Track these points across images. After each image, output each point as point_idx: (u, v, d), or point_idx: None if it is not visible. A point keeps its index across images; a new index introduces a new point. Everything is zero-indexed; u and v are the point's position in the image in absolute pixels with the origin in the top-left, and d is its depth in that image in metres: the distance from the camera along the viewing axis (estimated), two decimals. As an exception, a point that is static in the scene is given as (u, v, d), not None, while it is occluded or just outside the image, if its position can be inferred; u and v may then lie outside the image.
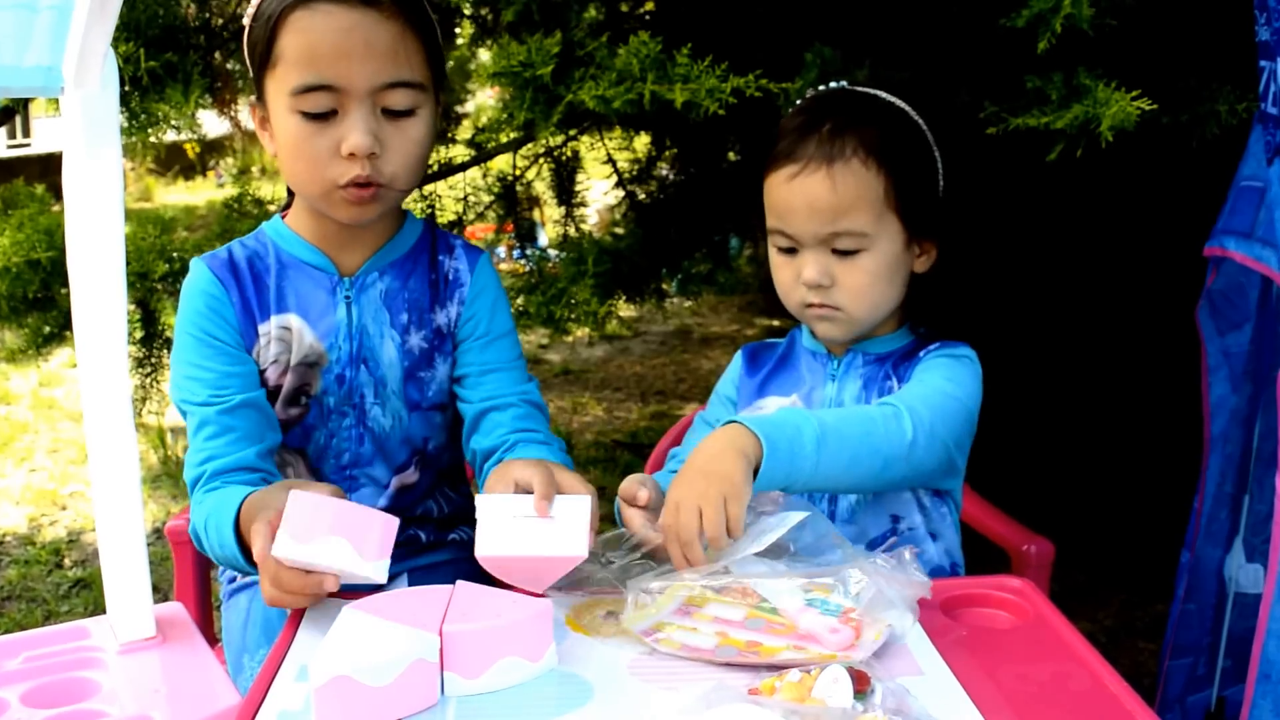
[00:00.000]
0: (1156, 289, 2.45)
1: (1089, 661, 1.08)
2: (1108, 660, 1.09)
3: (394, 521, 1.15)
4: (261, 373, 1.47)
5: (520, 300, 2.33)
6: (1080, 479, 2.77)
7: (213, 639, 1.59)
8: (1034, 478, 1.68)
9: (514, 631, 1.05)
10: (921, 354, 1.48)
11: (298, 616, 1.15)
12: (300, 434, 1.51)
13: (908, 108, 1.48)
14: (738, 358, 1.64)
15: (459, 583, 1.11)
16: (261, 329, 1.46)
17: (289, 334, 1.47)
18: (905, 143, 1.45)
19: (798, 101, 1.52)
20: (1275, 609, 1.50)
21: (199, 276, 1.47)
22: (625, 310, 3.11)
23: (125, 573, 1.15)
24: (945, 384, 1.40)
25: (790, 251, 1.46)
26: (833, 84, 1.52)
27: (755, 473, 1.20)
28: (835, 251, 1.43)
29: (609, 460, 3.83)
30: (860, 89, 1.50)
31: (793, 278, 1.47)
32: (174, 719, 1.02)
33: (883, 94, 1.48)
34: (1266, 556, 2.01)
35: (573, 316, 2.36)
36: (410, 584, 1.57)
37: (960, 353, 1.47)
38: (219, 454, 1.37)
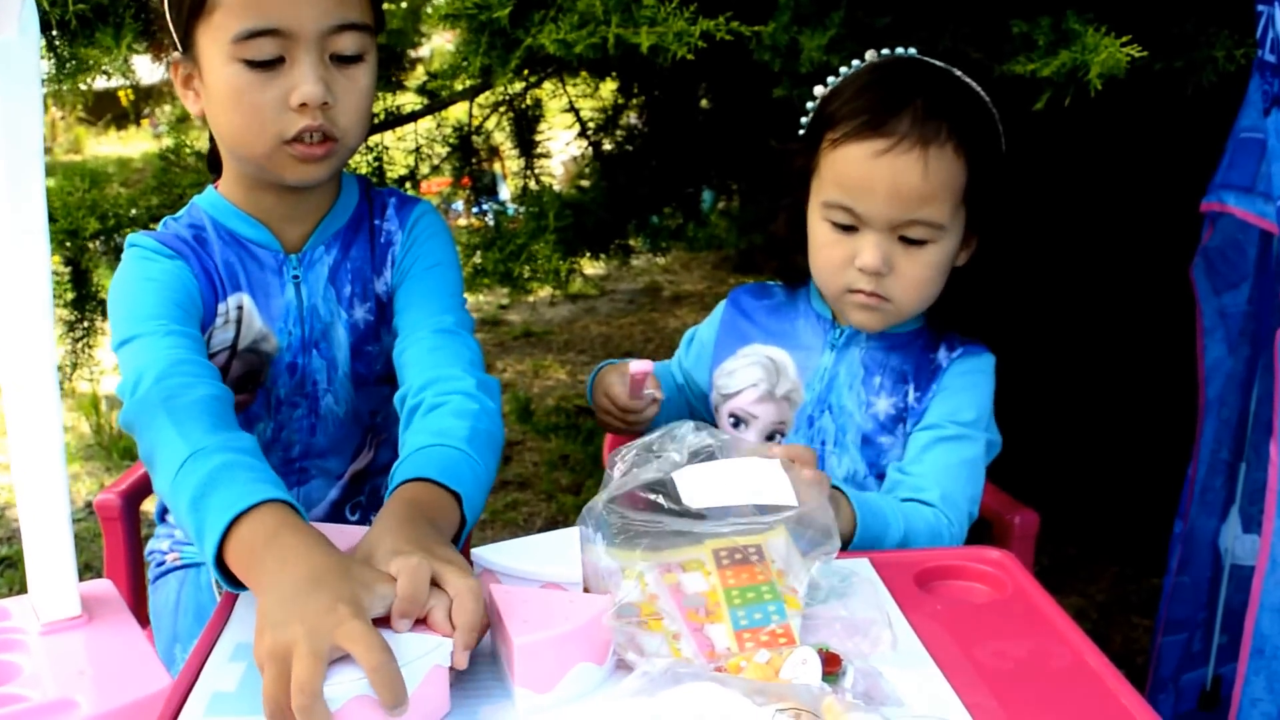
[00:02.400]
0: (1149, 247, 2.46)
1: (1069, 637, 1.09)
2: (1100, 636, 1.11)
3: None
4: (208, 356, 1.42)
5: (477, 257, 2.32)
6: (1071, 449, 2.79)
7: (146, 620, 1.58)
8: (1023, 448, 1.68)
9: (584, 635, 1.01)
10: (944, 363, 1.49)
11: (233, 594, 1.14)
12: (242, 422, 1.48)
13: (981, 90, 1.45)
14: (724, 303, 1.65)
15: (494, 586, 1.07)
16: (220, 308, 1.42)
17: (241, 315, 1.44)
18: (985, 130, 1.44)
19: (853, 63, 1.48)
20: (1269, 582, 1.52)
21: (147, 249, 1.40)
22: (591, 268, 3.10)
23: (48, 549, 1.14)
24: (979, 448, 1.47)
25: (847, 229, 1.43)
26: (901, 50, 1.48)
27: None
28: (902, 239, 1.41)
29: (571, 427, 3.83)
30: (934, 62, 1.46)
31: (844, 258, 1.43)
32: (100, 702, 1.02)
33: (957, 71, 1.45)
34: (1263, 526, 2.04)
35: (533, 275, 2.35)
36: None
37: (983, 366, 1.50)
38: (175, 351, 1.28)
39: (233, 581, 1.06)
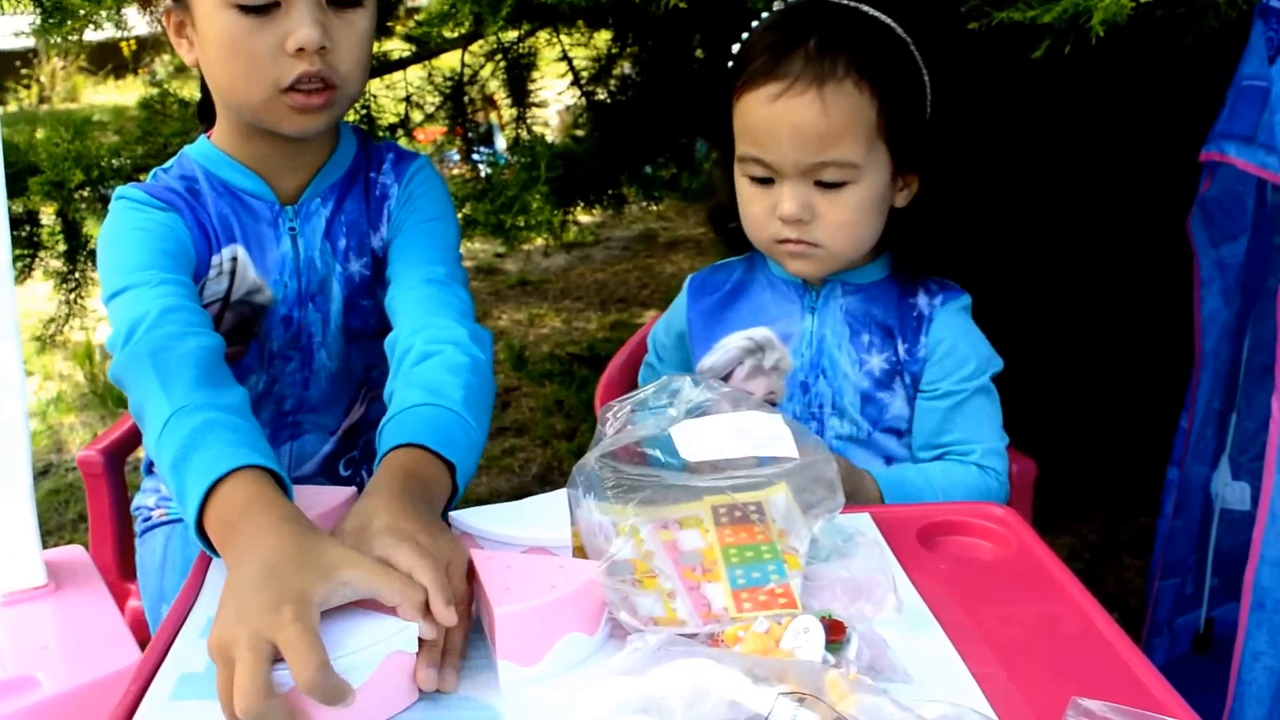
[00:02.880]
0: (1147, 197, 2.37)
1: (1079, 602, 1.01)
2: (1093, 577, 1.03)
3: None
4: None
5: (468, 208, 2.21)
6: (1063, 394, 2.72)
7: (134, 576, 1.49)
8: (1017, 394, 1.60)
9: (573, 603, 0.92)
10: (928, 311, 1.42)
11: (206, 562, 1.05)
12: (234, 374, 1.40)
13: (893, 23, 1.34)
14: (683, 296, 1.55)
15: (475, 552, 0.97)
16: (214, 260, 1.34)
17: (235, 267, 1.35)
18: (896, 63, 1.33)
19: (763, 15, 1.38)
20: (1269, 535, 1.44)
21: (136, 201, 1.31)
22: (585, 217, 3.00)
23: (8, 516, 1.04)
24: (990, 390, 1.43)
25: (765, 182, 1.35)
26: None
27: None
28: (818, 184, 1.32)
29: (565, 374, 3.74)
30: (837, 1, 1.35)
31: (766, 211, 1.36)
32: (62, 680, 0.93)
33: (865, 7, 1.34)
34: (1253, 475, 1.97)
35: (526, 225, 2.24)
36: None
37: (964, 305, 1.43)
38: (166, 299, 1.19)
39: (215, 549, 0.98)
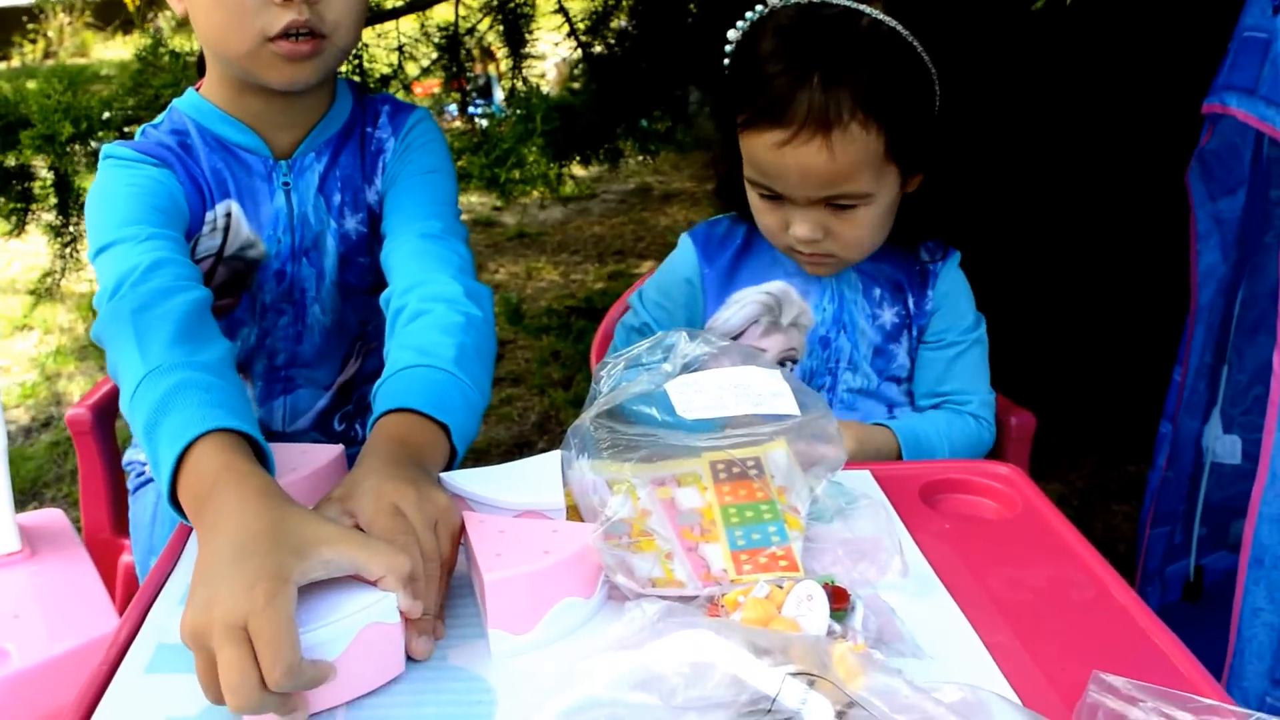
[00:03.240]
0: (1144, 151, 2.30)
1: (1090, 564, 0.94)
2: (1082, 523, 0.97)
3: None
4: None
5: (464, 161, 2.12)
6: (1057, 346, 2.66)
7: (127, 532, 1.42)
8: (1012, 344, 1.55)
9: (568, 568, 0.85)
10: (931, 268, 1.40)
11: (187, 528, 0.97)
12: (225, 327, 1.31)
13: (899, 26, 1.23)
14: (687, 245, 1.45)
15: (466, 515, 0.90)
16: (207, 215, 1.25)
17: (229, 223, 1.27)
18: (902, 82, 1.23)
19: (757, 8, 1.27)
20: (1268, 493, 1.38)
21: (124, 159, 1.22)
22: (581, 170, 2.91)
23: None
24: (985, 342, 1.42)
25: (776, 198, 1.28)
26: None
27: None
28: (830, 204, 1.26)
29: (563, 327, 3.66)
30: (835, 3, 1.23)
31: (779, 224, 1.30)
32: (34, 651, 0.85)
33: (869, 10, 1.22)
34: (1244, 428, 1.91)
35: (522, 179, 2.16)
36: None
37: (957, 261, 1.41)
38: (153, 254, 1.09)
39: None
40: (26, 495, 2.63)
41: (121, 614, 0.88)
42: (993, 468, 1.10)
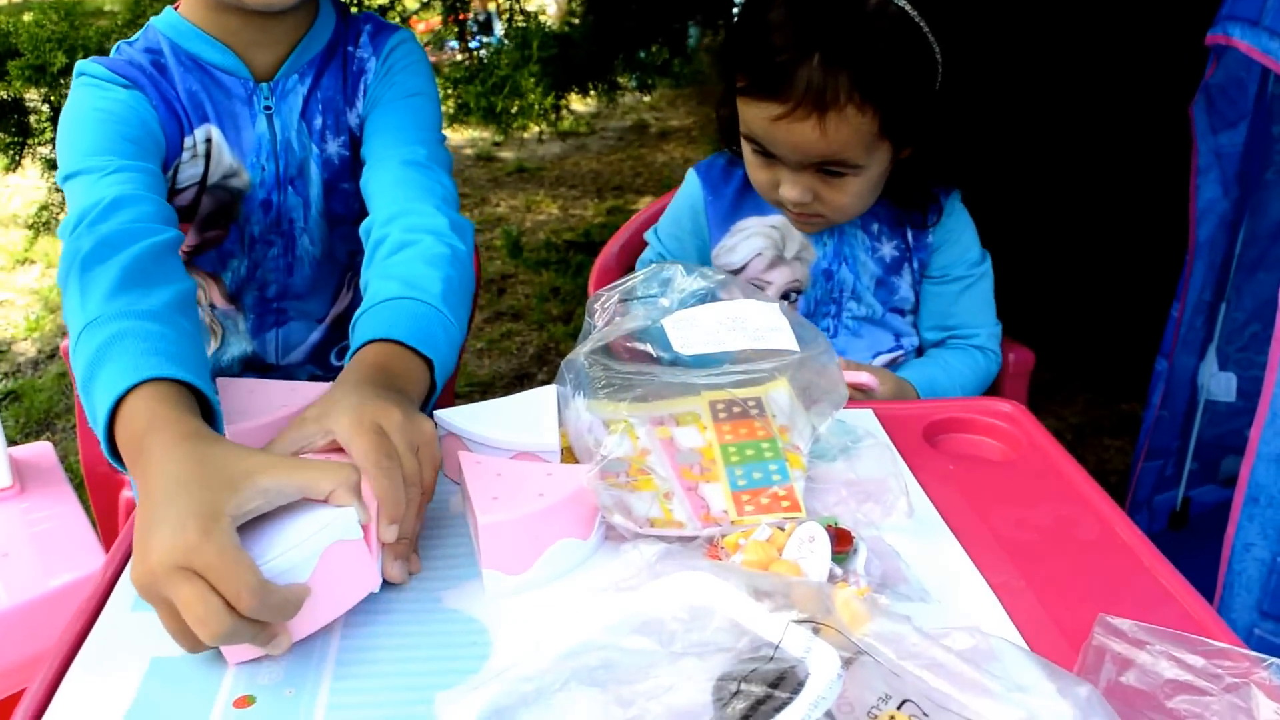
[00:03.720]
0: (1147, 83, 2.23)
1: (1096, 503, 0.90)
2: (1075, 457, 0.92)
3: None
4: (175, 191, 1.20)
5: (460, 92, 2.05)
6: (1055, 283, 2.61)
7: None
8: (1010, 281, 1.50)
9: (563, 511, 0.81)
10: (931, 206, 1.35)
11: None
12: (215, 259, 1.26)
13: (907, 6, 1.17)
14: (693, 178, 1.42)
15: (462, 455, 0.86)
16: (186, 141, 1.18)
17: (210, 149, 1.20)
18: (904, 65, 1.17)
19: None
20: (1266, 432, 1.35)
21: (97, 77, 1.14)
22: (579, 105, 2.85)
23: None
24: (990, 280, 1.40)
25: (769, 156, 1.25)
26: None
27: None
28: (820, 171, 1.22)
29: (561, 261, 3.61)
30: None
31: (770, 182, 1.27)
32: (19, 590, 0.81)
33: None
34: (1240, 365, 1.87)
35: (520, 111, 2.09)
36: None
37: (959, 194, 1.38)
38: (117, 188, 1.02)
39: None
40: (40, 427, 2.59)
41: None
42: (997, 405, 1.06)
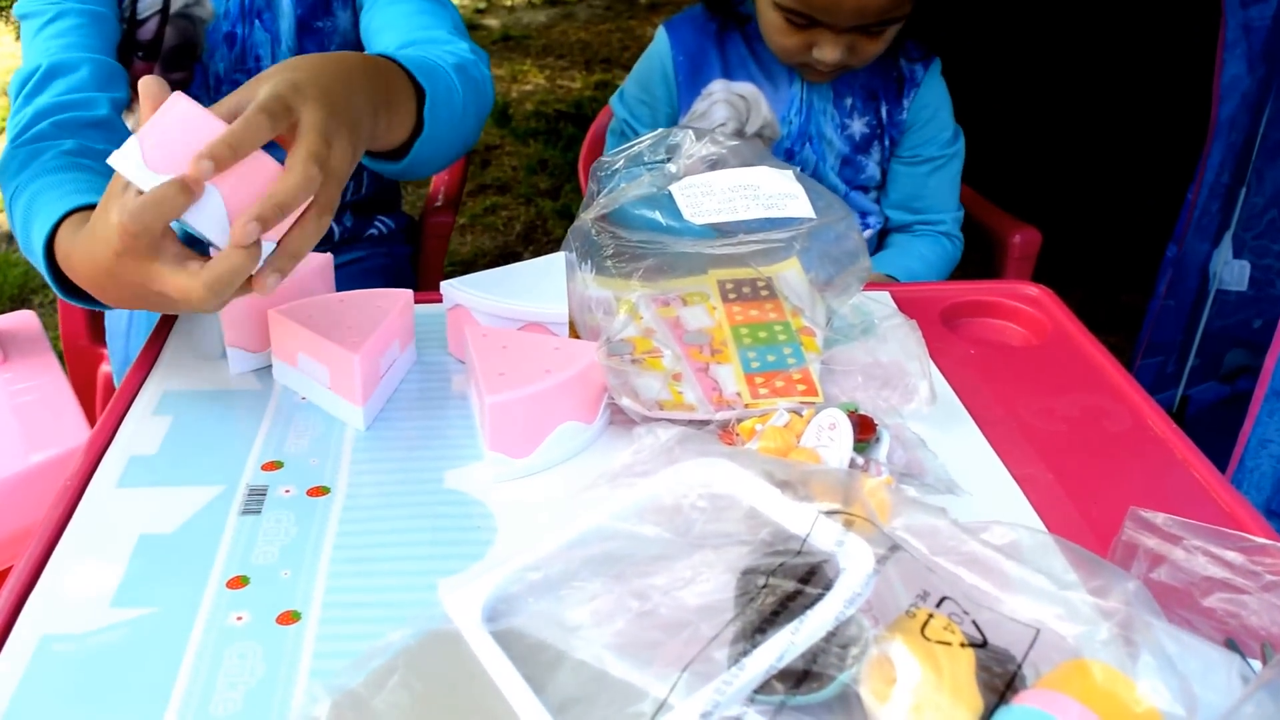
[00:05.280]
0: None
1: (1127, 391, 0.87)
2: None
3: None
4: (136, 24, 1.14)
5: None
6: (1057, 167, 2.55)
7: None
8: (1009, 158, 1.46)
9: (570, 389, 0.77)
10: (910, 75, 1.33)
11: (161, 336, 0.89)
12: None
13: None
14: (663, 39, 1.38)
15: (469, 329, 0.81)
16: None
17: None
18: None
19: None
20: (1298, 328, 1.31)
21: None
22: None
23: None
24: (960, 162, 1.39)
25: (807, 25, 1.22)
26: None
27: None
28: (862, 30, 1.21)
29: (551, 131, 3.52)
30: None
31: (800, 46, 1.24)
32: (9, 462, 0.77)
33: None
34: (1255, 253, 1.83)
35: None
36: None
37: (938, 69, 1.35)
38: (58, 54, 0.99)
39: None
40: (15, 302, 2.53)
41: (94, 426, 0.81)
42: (1021, 288, 1.02)
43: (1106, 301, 2.48)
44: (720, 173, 0.92)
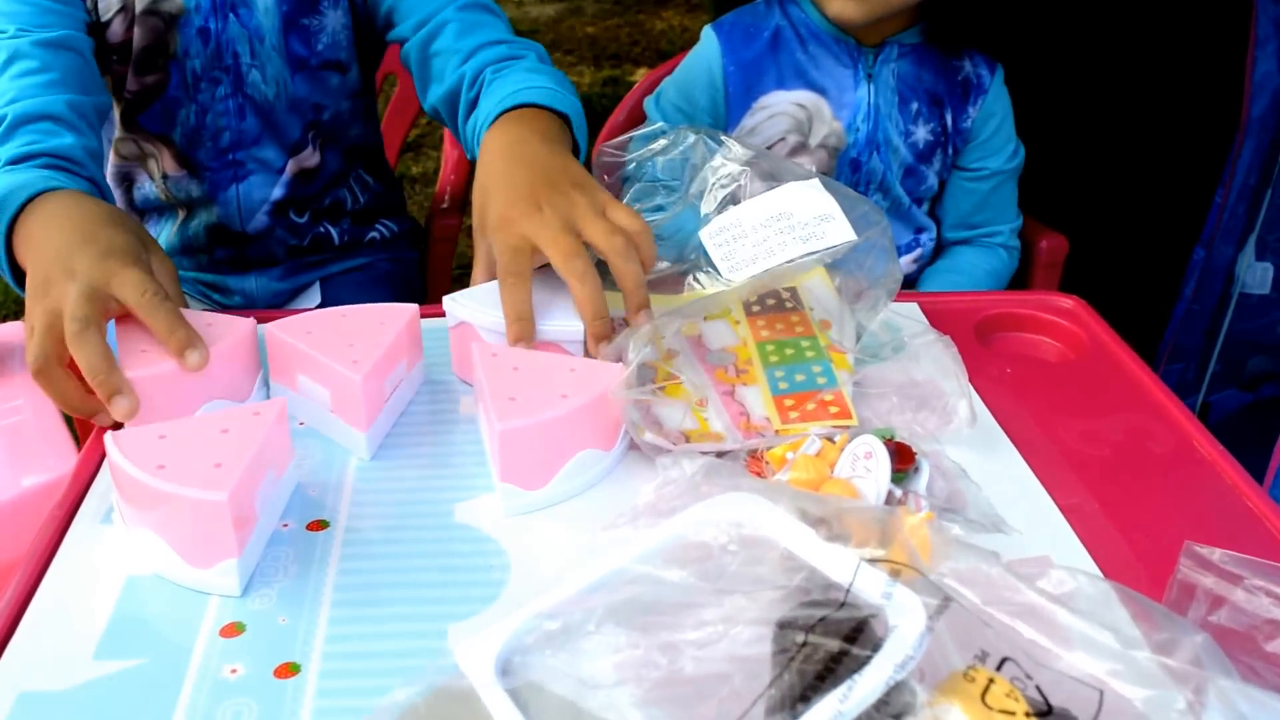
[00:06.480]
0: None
1: (1172, 411, 0.82)
2: None
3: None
4: (103, 26, 1.09)
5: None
6: (1085, 168, 2.49)
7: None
8: (1040, 164, 1.41)
9: (587, 415, 0.72)
10: (975, 80, 1.28)
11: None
12: (162, 114, 1.15)
13: None
14: (709, 36, 1.29)
15: (476, 346, 0.77)
16: None
17: None
18: None
19: None
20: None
21: None
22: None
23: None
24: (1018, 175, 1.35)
25: None
26: None
27: None
28: None
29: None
30: None
31: None
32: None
33: None
34: (1277, 254, 1.78)
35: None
36: (323, 296, 1.28)
37: (1001, 77, 1.30)
38: (25, 95, 0.96)
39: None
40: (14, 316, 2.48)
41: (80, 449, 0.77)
42: (1055, 300, 0.97)
43: (1128, 304, 2.43)
44: (747, 206, 0.85)
